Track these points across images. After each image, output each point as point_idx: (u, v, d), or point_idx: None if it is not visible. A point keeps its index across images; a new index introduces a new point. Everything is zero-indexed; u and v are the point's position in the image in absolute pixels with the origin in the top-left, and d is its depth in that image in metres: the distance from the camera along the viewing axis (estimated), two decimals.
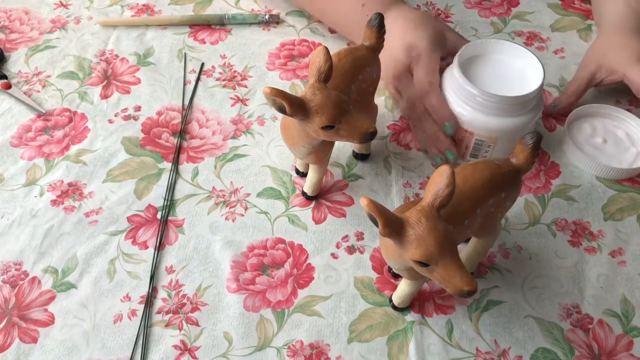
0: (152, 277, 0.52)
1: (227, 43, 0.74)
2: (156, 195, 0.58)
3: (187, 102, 0.67)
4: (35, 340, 0.48)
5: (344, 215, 0.57)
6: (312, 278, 0.53)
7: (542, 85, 0.56)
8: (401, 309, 0.51)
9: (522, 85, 0.57)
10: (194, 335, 0.49)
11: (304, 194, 0.58)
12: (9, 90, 0.66)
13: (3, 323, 0.49)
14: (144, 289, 0.52)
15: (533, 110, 0.57)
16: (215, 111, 0.66)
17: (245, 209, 0.57)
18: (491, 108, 0.55)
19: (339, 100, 0.45)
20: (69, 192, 0.58)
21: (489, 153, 0.59)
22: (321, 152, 0.52)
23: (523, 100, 0.55)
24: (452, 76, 0.57)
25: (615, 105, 0.68)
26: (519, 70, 0.59)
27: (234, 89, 0.68)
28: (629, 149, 0.62)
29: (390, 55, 0.61)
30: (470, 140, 0.58)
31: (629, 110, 0.67)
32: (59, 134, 0.63)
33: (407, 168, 0.61)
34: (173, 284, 0.52)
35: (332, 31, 0.75)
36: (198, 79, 0.69)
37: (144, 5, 0.78)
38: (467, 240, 0.52)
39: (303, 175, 0.60)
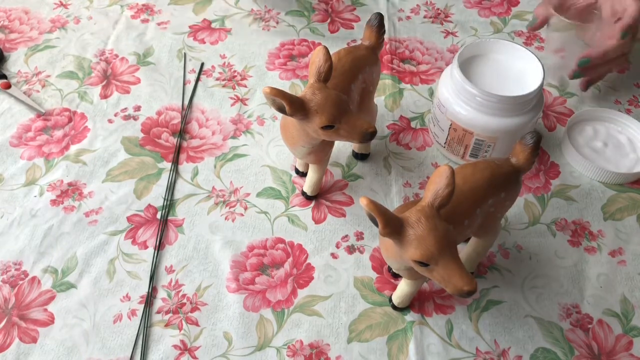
0: (151, 277, 0.52)
1: (226, 43, 0.74)
2: (156, 195, 0.58)
3: (186, 101, 0.67)
4: (35, 340, 0.48)
5: (343, 215, 0.57)
6: (312, 278, 0.53)
7: (541, 85, 0.56)
8: (401, 309, 0.51)
9: (521, 85, 0.57)
10: (193, 335, 0.49)
11: (303, 193, 0.58)
12: (8, 90, 0.66)
13: (3, 323, 0.49)
14: (143, 289, 0.52)
15: (533, 110, 0.57)
16: (215, 111, 0.66)
17: (245, 208, 0.57)
18: (491, 108, 0.55)
19: (339, 100, 0.45)
20: (69, 192, 0.58)
21: (488, 153, 0.59)
22: (321, 152, 0.52)
23: (523, 100, 0.55)
24: (452, 76, 0.57)
25: (615, 104, 0.68)
26: (519, 70, 0.59)
27: (234, 88, 0.68)
28: (629, 154, 0.62)
29: None
30: (470, 140, 0.58)
31: (628, 111, 0.67)
32: (58, 133, 0.63)
33: (406, 168, 0.61)
34: (173, 283, 0.52)
35: (332, 31, 0.76)
36: (198, 79, 0.69)
37: (143, 5, 0.78)
38: (467, 240, 0.52)
39: (303, 175, 0.60)
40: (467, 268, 0.50)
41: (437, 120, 0.60)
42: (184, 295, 0.51)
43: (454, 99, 0.57)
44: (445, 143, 0.61)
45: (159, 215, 0.57)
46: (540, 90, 0.57)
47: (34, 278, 0.52)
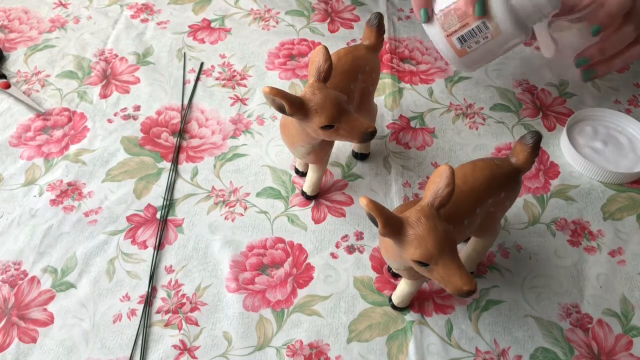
0: (151, 277, 0.52)
1: (226, 42, 0.74)
2: (155, 195, 0.58)
3: (186, 101, 0.67)
4: (34, 340, 0.48)
5: (343, 215, 0.57)
6: (312, 278, 0.53)
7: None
8: (401, 309, 0.51)
9: None
10: (193, 335, 0.49)
11: (303, 193, 0.58)
12: (8, 90, 0.66)
13: (2, 323, 0.49)
14: (143, 289, 0.52)
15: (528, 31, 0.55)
16: (215, 110, 0.66)
17: (245, 208, 0.57)
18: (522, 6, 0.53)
19: (339, 99, 0.45)
20: (68, 192, 0.58)
21: (478, 45, 0.55)
22: (320, 152, 0.52)
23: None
24: None
25: (615, 104, 0.68)
26: None
27: (234, 88, 0.68)
28: (629, 154, 0.62)
29: None
30: (472, 22, 0.54)
31: (628, 111, 0.67)
32: (58, 133, 0.63)
33: (406, 167, 0.61)
34: (172, 283, 0.52)
35: (332, 30, 0.76)
36: (197, 79, 0.69)
37: (143, 4, 0.78)
38: (467, 240, 0.52)
39: (302, 174, 0.60)
40: (467, 268, 0.50)
41: None
42: (183, 295, 0.51)
43: None
44: (441, 11, 0.56)
45: (158, 215, 0.57)
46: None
47: (33, 278, 0.52)
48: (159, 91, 0.68)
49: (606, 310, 0.52)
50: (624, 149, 0.63)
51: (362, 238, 0.56)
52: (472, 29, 0.54)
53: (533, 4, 0.52)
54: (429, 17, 0.57)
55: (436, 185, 0.39)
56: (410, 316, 0.51)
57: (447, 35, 0.56)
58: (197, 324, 0.50)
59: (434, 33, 0.57)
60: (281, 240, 0.55)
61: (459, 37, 0.55)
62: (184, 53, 0.72)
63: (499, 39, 0.55)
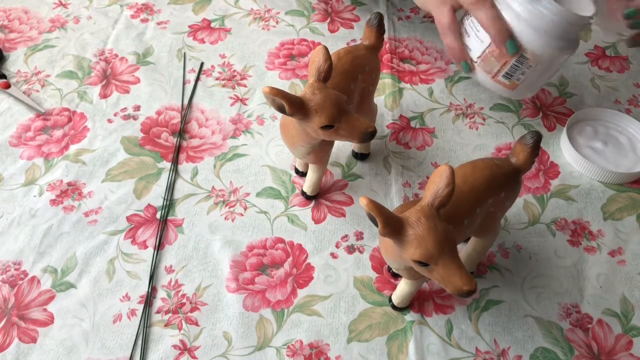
0: (151, 277, 0.52)
1: (226, 42, 0.74)
2: (155, 195, 0.58)
3: (186, 101, 0.67)
4: (34, 340, 0.48)
5: (343, 215, 0.57)
6: (312, 278, 0.53)
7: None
8: (401, 309, 0.51)
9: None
10: (193, 335, 0.49)
11: (303, 193, 0.58)
12: (8, 90, 0.66)
13: (2, 323, 0.49)
14: (143, 289, 0.52)
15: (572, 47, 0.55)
16: (215, 110, 0.66)
17: (245, 208, 0.57)
18: (550, 25, 0.52)
19: (338, 99, 0.45)
20: (68, 192, 0.58)
21: (524, 75, 0.56)
22: (320, 152, 0.52)
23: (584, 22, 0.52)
24: None
25: (615, 104, 0.68)
26: None
27: (234, 88, 0.68)
28: (629, 154, 0.62)
29: None
30: (511, 58, 0.55)
31: (628, 111, 0.67)
32: (58, 133, 0.63)
33: (406, 167, 0.61)
34: (172, 283, 0.52)
35: (332, 30, 0.76)
36: (197, 79, 0.69)
37: (143, 4, 0.78)
38: (467, 240, 0.52)
39: (302, 174, 0.60)
40: (467, 268, 0.50)
41: (477, 30, 0.56)
42: (183, 295, 0.51)
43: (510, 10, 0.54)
44: (479, 57, 0.57)
45: (158, 215, 0.57)
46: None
47: (33, 278, 0.52)
48: (159, 91, 0.68)
49: (606, 310, 0.52)
50: (624, 149, 0.63)
51: (362, 238, 0.56)
52: (514, 64, 0.56)
53: (565, 21, 0.53)
54: (470, 68, 0.59)
55: (436, 185, 0.39)
56: (410, 316, 0.51)
57: (493, 77, 0.57)
58: (197, 324, 0.50)
59: (481, 78, 0.59)
60: (281, 240, 0.55)
61: (504, 75, 0.57)
62: (184, 53, 0.72)
63: (543, 63, 0.55)
